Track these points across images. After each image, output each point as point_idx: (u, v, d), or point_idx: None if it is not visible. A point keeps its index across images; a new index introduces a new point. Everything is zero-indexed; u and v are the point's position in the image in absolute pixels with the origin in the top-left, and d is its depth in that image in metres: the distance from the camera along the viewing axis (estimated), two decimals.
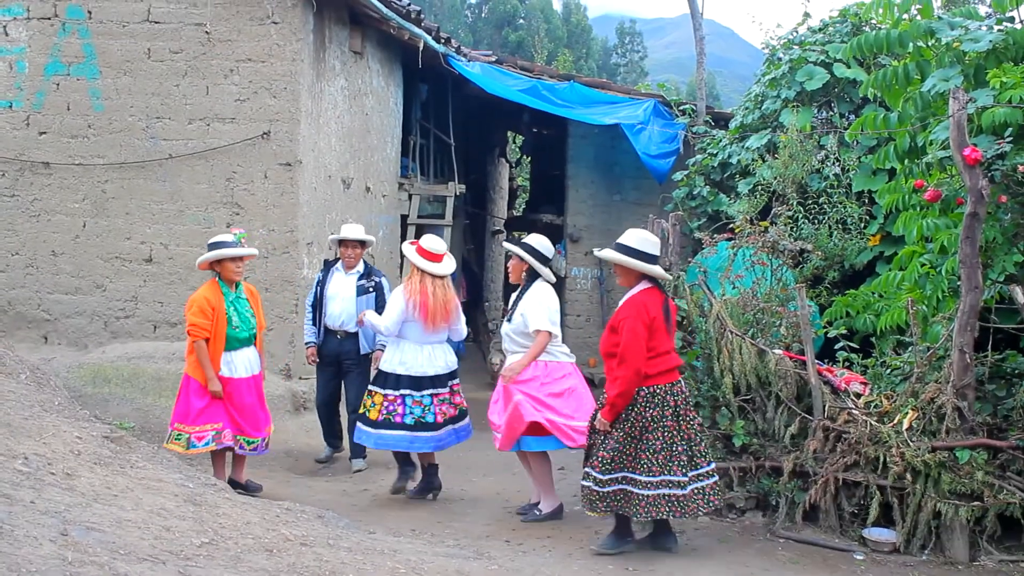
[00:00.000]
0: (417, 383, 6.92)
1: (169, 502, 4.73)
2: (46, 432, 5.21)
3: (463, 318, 7.21)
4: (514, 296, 6.84)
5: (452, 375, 7.11)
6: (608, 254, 5.87)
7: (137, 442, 6.18)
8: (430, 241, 7.12)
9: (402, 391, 6.91)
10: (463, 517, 6.72)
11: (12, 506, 3.83)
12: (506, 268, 7.17)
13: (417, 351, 6.96)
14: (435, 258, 7.03)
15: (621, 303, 5.91)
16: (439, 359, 7.02)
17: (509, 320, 6.72)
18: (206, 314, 6.73)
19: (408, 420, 6.88)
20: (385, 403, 6.92)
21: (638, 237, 5.91)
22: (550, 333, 6.52)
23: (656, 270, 5.86)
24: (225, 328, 6.79)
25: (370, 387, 7.13)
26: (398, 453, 7.19)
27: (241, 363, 6.91)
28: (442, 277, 7.02)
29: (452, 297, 7.04)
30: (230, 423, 6.77)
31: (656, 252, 5.92)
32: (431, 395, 6.94)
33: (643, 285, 5.85)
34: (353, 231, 8.22)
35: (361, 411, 7.08)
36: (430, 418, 6.91)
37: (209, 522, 4.60)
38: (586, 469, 5.86)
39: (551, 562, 5.57)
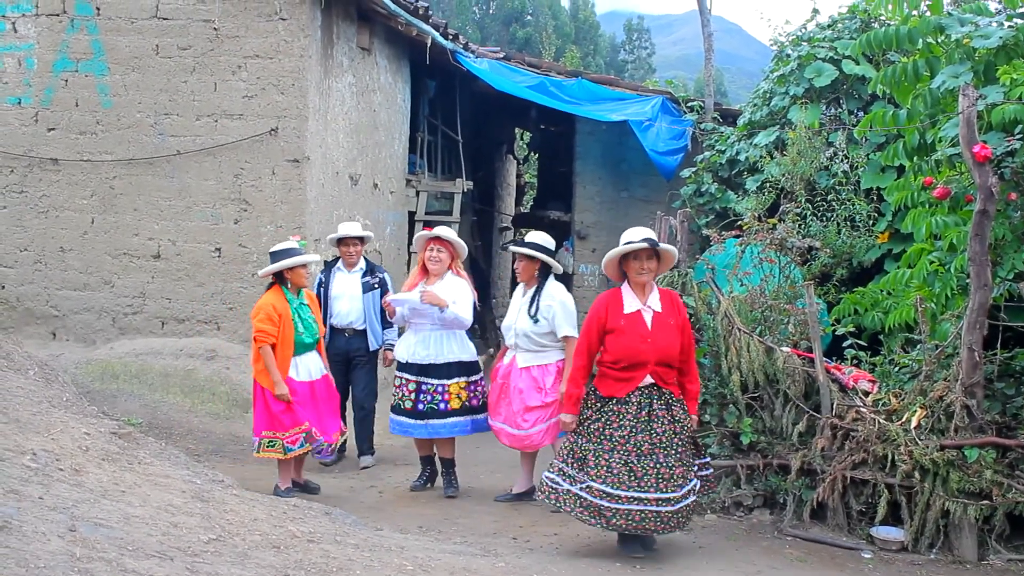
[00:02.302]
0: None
1: (177, 498, 4.74)
2: (54, 428, 5.22)
3: None
4: (526, 293, 6.83)
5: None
6: (671, 248, 5.81)
7: (145, 438, 6.20)
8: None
9: None
10: (470, 514, 6.72)
11: (21, 502, 3.84)
12: (513, 268, 7.20)
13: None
14: None
15: (666, 299, 5.76)
16: None
17: (535, 320, 6.67)
18: (272, 320, 6.72)
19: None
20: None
21: (645, 231, 5.82)
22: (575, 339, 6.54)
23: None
24: (292, 334, 6.80)
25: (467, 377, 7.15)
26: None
27: (304, 367, 6.91)
28: None
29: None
30: (315, 421, 6.86)
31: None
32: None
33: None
34: (352, 228, 8.24)
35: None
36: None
37: (216, 518, 4.61)
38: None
39: (558, 559, 5.56)
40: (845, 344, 7.30)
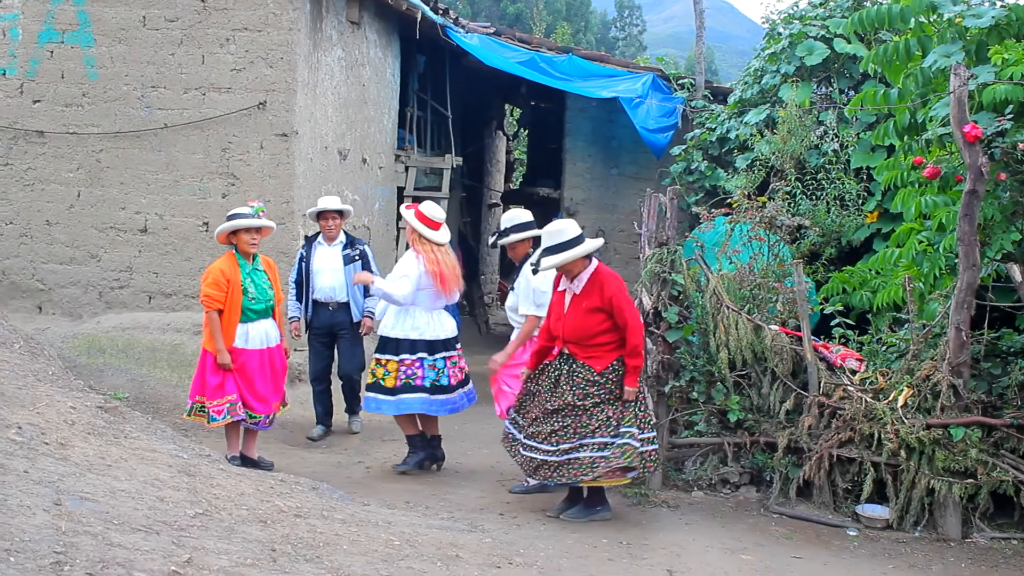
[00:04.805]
0: (431, 347, 7.01)
1: (163, 472, 4.73)
2: (40, 402, 5.20)
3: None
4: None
5: (456, 339, 7.20)
6: (556, 260, 5.87)
7: (131, 412, 6.18)
8: (431, 208, 7.14)
9: (419, 355, 6.97)
10: (457, 490, 6.73)
11: (5, 475, 3.82)
12: (507, 255, 7.14)
13: (428, 317, 7.05)
14: (435, 226, 7.10)
15: (586, 284, 5.93)
16: (447, 323, 7.14)
17: (512, 291, 6.82)
18: (220, 286, 6.69)
19: (426, 383, 6.95)
20: (402, 368, 6.95)
21: (556, 229, 5.96)
22: (538, 317, 6.52)
23: (594, 244, 6.00)
24: (241, 300, 6.75)
25: (378, 356, 7.07)
26: (412, 434, 7.19)
27: (256, 335, 6.85)
28: (442, 245, 7.08)
29: (456, 263, 7.15)
30: (240, 396, 6.75)
31: (578, 231, 6.02)
32: (444, 358, 7.03)
33: (595, 262, 6.03)
34: (331, 202, 8.24)
35: (372, 381, 7.02)
36: (444, 380, 7.01)
37: (203, 493, 4.60)
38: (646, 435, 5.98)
39: (545, 535, 5.58)
40: (833, 323, 7.32)
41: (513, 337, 6.77)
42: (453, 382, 7.02)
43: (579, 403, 5.87)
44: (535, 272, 6.00)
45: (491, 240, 6.90)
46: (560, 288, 6.06)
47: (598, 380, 5.87)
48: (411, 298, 6.95)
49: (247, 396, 6.76)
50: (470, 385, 7.22)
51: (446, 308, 7.25)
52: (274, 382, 6.96)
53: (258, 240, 6.94)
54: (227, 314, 6.70)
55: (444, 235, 7.11)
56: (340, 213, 8.22)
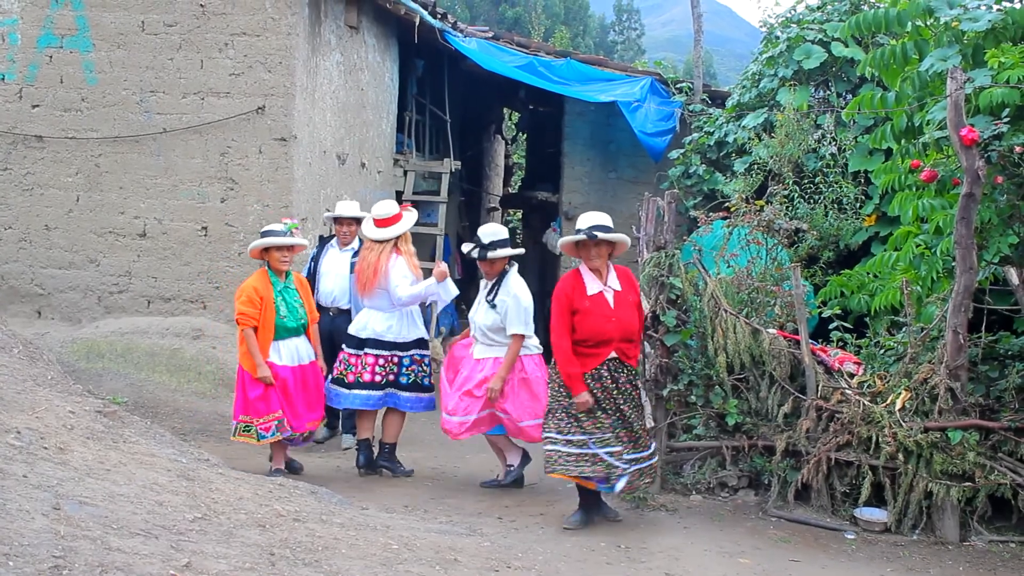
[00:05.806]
0: (351, 342, 7.20)
1: (162, 477, 4.73)
2: (39, 406, 5.20)
3: (400, 282, 7.01)
4: (487, 284, 6.84)
5: (381, 344, 7.12)
6: (619, 236, 6.06)
7: (130, 417, 6.18)
8: (379, 208, 7.28)
9: (346, 348, 7.25)
10: (456, 494, 6.74)
11: (4, 480, 3.83)
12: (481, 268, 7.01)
13: (362, 314, 7.27)
14: (381, 223, 7.17)
15: (621, 279, 6.12)
16: (364, 322, 7.18)
17: (493, 306, 6.69)
18: (254, 303, 6.73)
19: (333, 371, 7.26)
20: None
21: (600, 215, 6.24)
22: (524, 337, 6.66)
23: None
24: (273, 318, 6.78)
25: None
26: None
27: (287, 352, 6.89)
28: (381, 241, 7.11)
29: (383, 260, 7.04)
30: (289, 410, 6.82)
31: None
32: (352, 355, 7.15)
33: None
34: (349, 208, 8.19)
35: None
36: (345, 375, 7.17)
37: (202, 497, 4.61)
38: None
39: (543, 539, 5.59)
40: (831, 326, 7.33)
41: (490, 353, 6.74)
42: (350, 378, 7.08)
43: (638, 408, 6.12)
44: (596, 242, 5.96)
45: (473, 253, 6.76)
46: (592, 291, 5.96)
47: (637, 380, 6.19)
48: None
49: (285, 411, 6.80)
50: (400, 392, 7.14)
51: (447, 307, 7.33)
52: (307, 400, 6.99)
53: (289, 258, 7.00)
54: (261, 332, 6.76)
55: (387, 231, 7.13)
56: (357, 220, 8.13)
